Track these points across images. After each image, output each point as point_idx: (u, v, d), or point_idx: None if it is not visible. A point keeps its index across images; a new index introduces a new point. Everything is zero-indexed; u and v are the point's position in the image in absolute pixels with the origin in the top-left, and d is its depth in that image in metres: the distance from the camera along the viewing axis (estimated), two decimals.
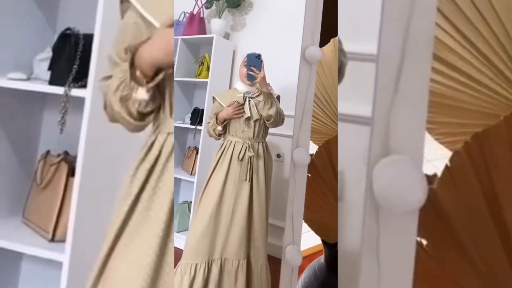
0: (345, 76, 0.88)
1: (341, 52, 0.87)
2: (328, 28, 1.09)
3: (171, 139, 0.76)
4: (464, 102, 0.84)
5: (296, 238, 1.03)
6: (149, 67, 0.69)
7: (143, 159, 0.77)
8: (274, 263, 2.07)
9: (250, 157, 1.66)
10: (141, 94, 0.70)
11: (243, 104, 1.69)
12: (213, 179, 1.67)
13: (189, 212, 2.51)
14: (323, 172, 1.33)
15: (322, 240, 1.47)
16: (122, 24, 0.78)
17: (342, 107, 0.82)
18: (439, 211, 0.73)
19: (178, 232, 2.51)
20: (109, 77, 0.74)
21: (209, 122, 1.79)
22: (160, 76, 0.70)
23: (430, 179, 0.77)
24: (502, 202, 0.69)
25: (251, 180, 1.67)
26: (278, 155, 2.47)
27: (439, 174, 0.75)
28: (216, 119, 1.72)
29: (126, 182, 0.77)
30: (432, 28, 0.47)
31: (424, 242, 0.77)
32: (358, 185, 0.88)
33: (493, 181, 0.70)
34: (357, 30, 0.87)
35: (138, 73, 0.69)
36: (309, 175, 1.28)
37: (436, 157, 0.82)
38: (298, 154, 1.03)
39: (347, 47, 0.89)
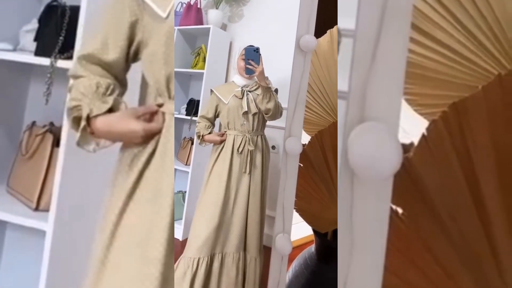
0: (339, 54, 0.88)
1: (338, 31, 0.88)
2: (326, 19, 1.10)
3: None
4: (445, 74, 0.83)
5: (287, 226, 1.02)
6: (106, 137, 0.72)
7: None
8: (268, 252, 2.08)
9: (250, 151, 1.69)
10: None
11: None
12: (215, 172, 1.69)
13: (183, 201, 2.53)
14: (316, 162, 1.33)
15: (313, 230, 1.48)
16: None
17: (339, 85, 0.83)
18: (414, 179, 0.73)
19: None
20: (78, 77, 0.75)
21: (199, 122, 1.81)
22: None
23: (407, 147, 0.77)
24: (477, 171, 0.68)
25: (249, 173, 1.70)
26: (273, 147, 2.49)
27: (416, 143, 0.75)
28: (202, 137, 1.77)
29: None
30: None
31: (400, 210, 0.78)
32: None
33: (469, 150, 0.70)
34: (344, 7, 0.88)
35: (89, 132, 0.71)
36: (301, 165, 1.27)
37: (414, 128, 0.82)
38: (290, 143, 1.02)
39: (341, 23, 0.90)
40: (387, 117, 0.48)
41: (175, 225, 2.49)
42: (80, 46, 0.79)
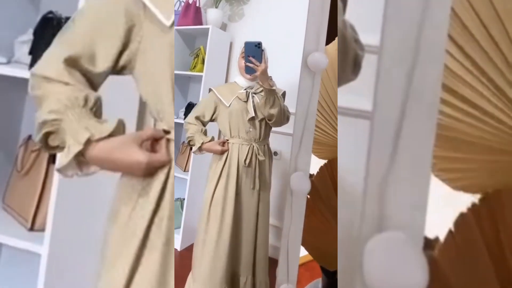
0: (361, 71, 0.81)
1: (356, 43, 0.77)
2: (333, 26, 0.94)
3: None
4: (469, 135, 0.75)
5: (291, 276, 0.91)
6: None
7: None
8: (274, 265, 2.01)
9: (260, 161, 1.49)
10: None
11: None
12: (220, 189, 1.48)
13: (182, 209, 2.46)
14: (324, 193, 1.21)
15: (321, 267, 1.35)
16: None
17: (354, 102, 0.76)
18: (439, 280, 0.65)
19: None
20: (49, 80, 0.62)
21: (191, 124, 1.58)
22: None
23: (431, 244, 0.70)
24: None
25: (258, 189, 1.51)
26: (275, 153, 2.39)
27: (441, 237, 0.67)
28: (200, 145, 1.53)
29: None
30: (438, 87, 0.41)
31: None
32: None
33: (503, 246, 0.62)
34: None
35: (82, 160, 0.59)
36: (309, 196, 1.19)
37: (435, 196, 0.74)
38: (297, 179, 0.90)
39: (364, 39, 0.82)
40: (411, 224, 0.41)
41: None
42: (63, 43, 0.63)
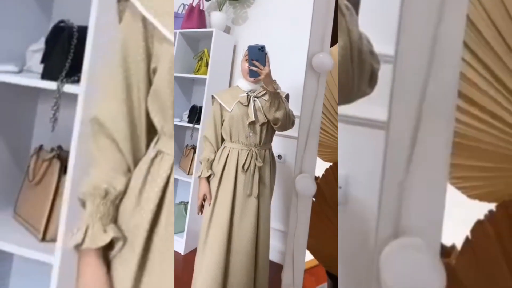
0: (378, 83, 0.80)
1: (372, 56, 0.77)
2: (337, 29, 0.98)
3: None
4: (485, 143, 0.75)
5: (297, 279, 0.90)
6: None
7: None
8: (276, 269, 2.00)
9: (259, 167, 1.48)
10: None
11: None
12: (219, 198, 1.48)
13: (185, 213, 2.46)
14: (330, 196, 1.20)
15: (327, 271, 1.35)
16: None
17: (362, 111, 0.75)
18: None
19: (174, 233, 2.46)
20: None
21: (210, 143, 1.56)
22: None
23: (448, 251, 0.69)
24: None
25: (257, 196, 1.48)
26: (279, 156, 2.39)
27: (458, 245, 0.66)
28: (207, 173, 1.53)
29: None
30: (453, 104, 0.40)
31: None
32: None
33: None
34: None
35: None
36: (314, 199, 1.17)
37: (451, 204, 0.74)
38: (302, 182, 0.89)
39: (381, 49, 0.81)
40: (427, 231, 0.41)
41: (177, 238, 2.42)
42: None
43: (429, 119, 0.42)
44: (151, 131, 0.72)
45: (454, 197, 0.78)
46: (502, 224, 0.63)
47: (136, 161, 0.70)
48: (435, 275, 0.40)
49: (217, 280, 1.39)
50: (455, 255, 0.67)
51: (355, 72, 0.79)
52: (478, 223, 0.64)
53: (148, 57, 0.68)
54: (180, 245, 2.39)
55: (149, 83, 0.69)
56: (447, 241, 0.71)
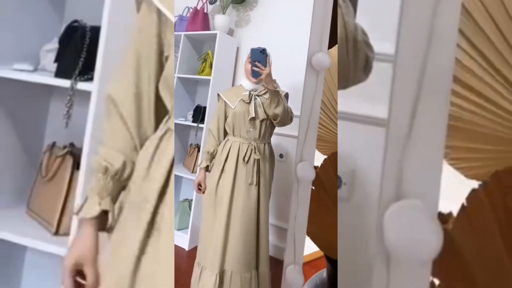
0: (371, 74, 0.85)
1: (367, 45, 0.82)
2: (335, 32, 1.03)
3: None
4: (482, 126, 0.79)
5: (298, 257, 0.97)
6: None
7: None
8: (275, 264, 2.04)
9: (257, 160, 1.61)
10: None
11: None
12: (221, 184, 1.62)
13: (190, 210, 2.50)
14: (328, 185, 1.28)
15: (325, 255, 1.42)
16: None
17: (360, 108, 0.80)
18: (453, 251, 0.70)
19: (178, 230, 2.51)
20: None
21: (213, 137, 1.74)
22: None
23: (445, 218, 0.75)
24: None
25: (258, 184, 1.62)
26: (281, 155, 2.44)
27: (454, 212, 0.71)
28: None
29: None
30: (451, 68, 0.44)
31: (437, 281, 0.75)
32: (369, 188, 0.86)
33: None
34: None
35: None
36: (313, 187, 1.24)
37: (449, 184, 0.77)
38: (302, 168, 0.97)
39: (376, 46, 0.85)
40: (426, 194, 0.45)
41: (182, 234, 2.47)
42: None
43: (427, 98, 0.46)
44: (159, 113, 0.79)
45: (452, 177, 0.84)
46: (495, 192, 0.67)
47: (142, 141, 0.76)
48: (433, 232, 0.44)
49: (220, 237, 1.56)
50: (452, 221, 0.71)
51: (350, 60, 0.84)
52: (473, 192, 0.69)
53: (160, 46, 0.75)
54: (184, 241, 2.44)
55: (161, 69, 0.76)
56: (445, 209, 0.76)
